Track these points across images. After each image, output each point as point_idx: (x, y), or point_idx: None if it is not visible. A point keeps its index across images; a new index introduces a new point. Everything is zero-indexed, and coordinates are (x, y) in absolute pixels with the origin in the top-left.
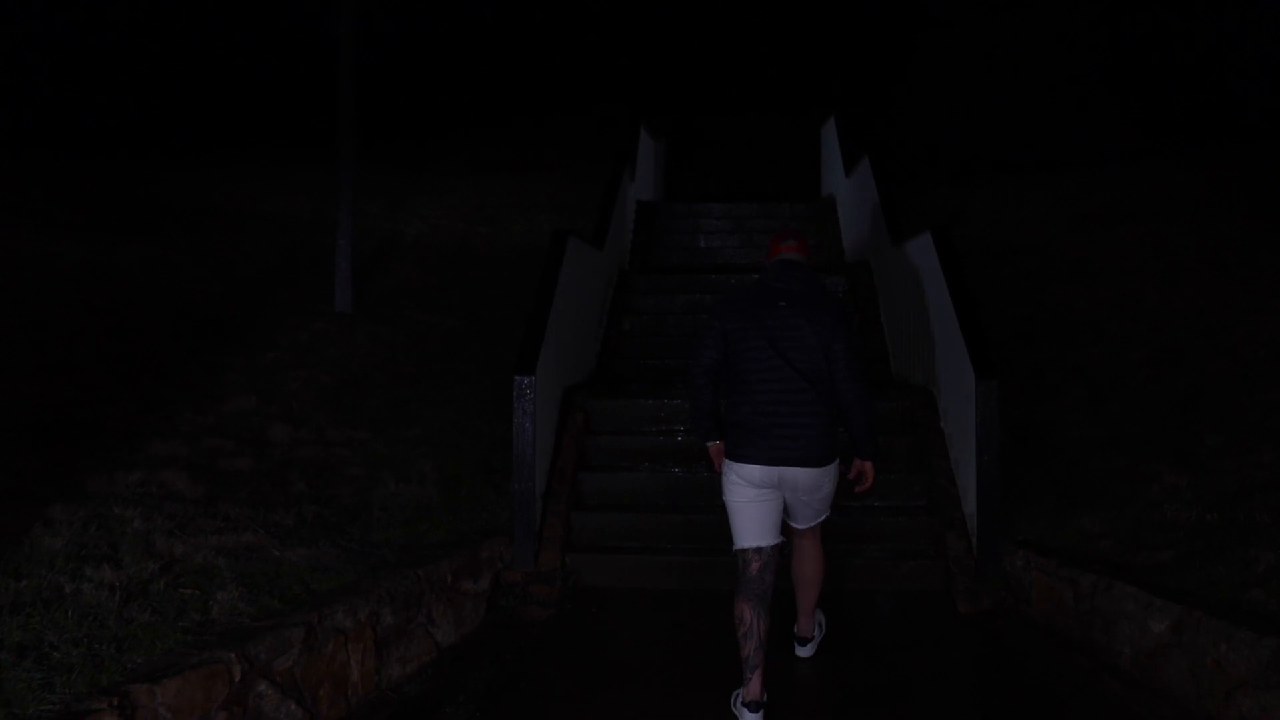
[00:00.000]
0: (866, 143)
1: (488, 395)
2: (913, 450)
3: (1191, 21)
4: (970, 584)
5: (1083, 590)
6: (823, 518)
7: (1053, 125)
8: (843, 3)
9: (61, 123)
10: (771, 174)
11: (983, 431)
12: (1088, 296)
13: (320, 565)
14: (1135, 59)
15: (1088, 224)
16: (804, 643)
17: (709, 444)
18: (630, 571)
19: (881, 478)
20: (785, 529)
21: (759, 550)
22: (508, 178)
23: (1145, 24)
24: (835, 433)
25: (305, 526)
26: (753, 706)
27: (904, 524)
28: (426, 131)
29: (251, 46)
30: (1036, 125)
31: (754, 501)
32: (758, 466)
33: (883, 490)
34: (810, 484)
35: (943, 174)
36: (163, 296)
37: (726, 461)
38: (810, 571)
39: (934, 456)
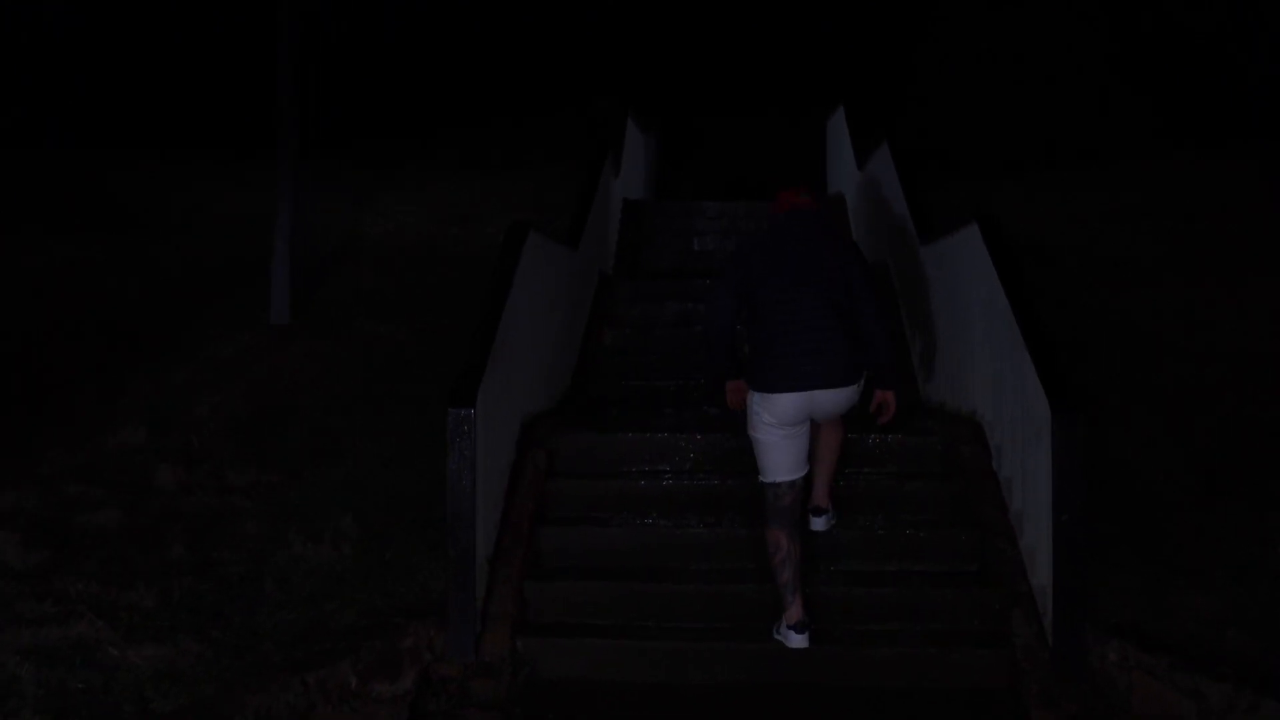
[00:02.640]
0: (883, 128)
1: (435, 423)
2: (957, 500)
3: (1208, 13)
4: (1046, 683)
5: (1212, 706)
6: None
7: (1068, 120)
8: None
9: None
10: (773, 171)
11: (1061, 482)
12: (1145, 302)
13: (172, 670)
14: (1152, 50)
15: (1127, 220)
16: (819, 513)
17: (728, 382)
18: (602, 660)
19: (914, 533)
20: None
21: (791, 484)
22: (488, 176)
23: (1162, 14)
24: (859, 357)
25: (169, 609)
26: (799, 627)
27: (950, 597)
28: (405, 129)
29: (210, 33)
30: (1051, 120)
31: (786, 439)
32: (790, 396)
33: (917, 549)
34: (837, 404)
35: (955, 171)
36: (80, 302)
37: (756, 397)
38: (831, 437)
39: (986, 507)
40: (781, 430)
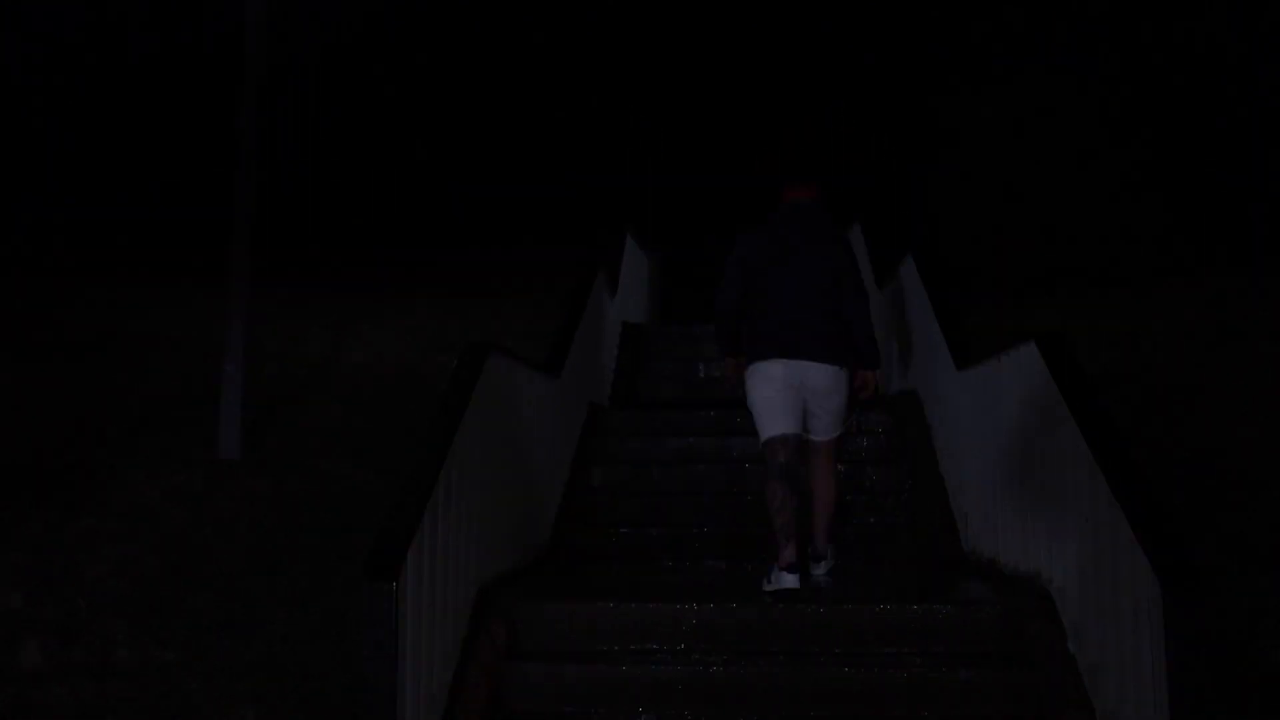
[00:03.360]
0: (907, 242)
1: None
2: (1022, 693)
3: (1235, 135)
4: None
5: None
6: (838, 433)
7: (1092, 239)
8: (861, 120)
9: None
10: None
11: (1180, 679)
12: (1223, 435)
13: None
14: (1178, 170)
15: (1184, 344)
16: (819, 560)
17: (728, 357)
18: None
19: None
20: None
21: (784, 438)
22: (479, 302)
23: (1189, 137)
24: (845, 342)
25: None
26: (791, 568)
27: None
28: (396, 255)
29: (179, 153)
30: (1075, 240)
31: (777, 394)
32: (779, 362)
33: None
34: (825, 383)
35: (975, 293)
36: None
37: (751, 366)
38: (825, 489)
39: (1064, 707)
40: (775, 385)
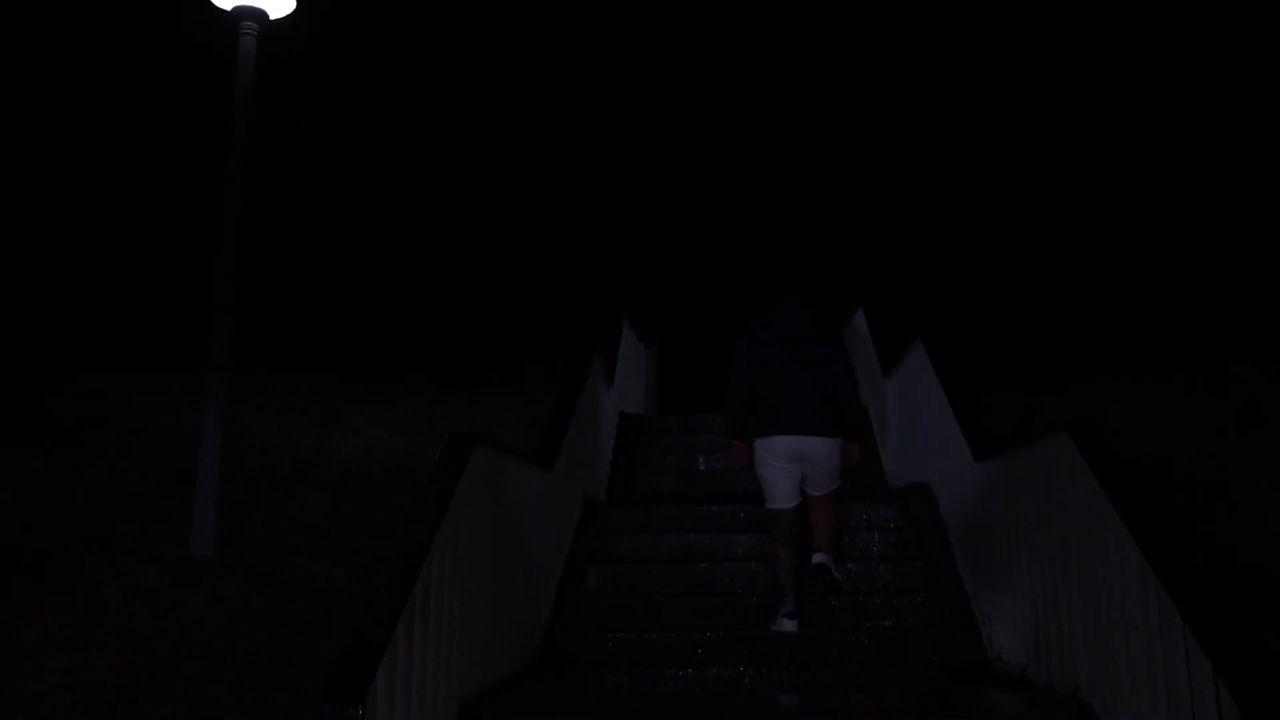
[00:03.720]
0: (917, 328)
1: None
2: None
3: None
4: None
5: None
6: (835, 486)
7: (1093, 328)
8: (857, 206)
9: None
10: None
11: None
12: (1255, 532)
13: None
14: (1180, 256)
15: (1203, 432)
16: (819, 550)
17: (735, 441)
18: None
19: None
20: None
21: (786, 510)
22: (474, 392)
23: (1191, 224)
24: (838, 417)
25: None
26: (791, 615)
27: None
28: (392, 347)
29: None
30: (1083, 325)
31: (783, 473)
32: (785, 438)
33: None
34: (822, 452)
35: (984, 379)
36: None
37: (759, 443)
38: (824, 515)
39: None
40: (779, 466)
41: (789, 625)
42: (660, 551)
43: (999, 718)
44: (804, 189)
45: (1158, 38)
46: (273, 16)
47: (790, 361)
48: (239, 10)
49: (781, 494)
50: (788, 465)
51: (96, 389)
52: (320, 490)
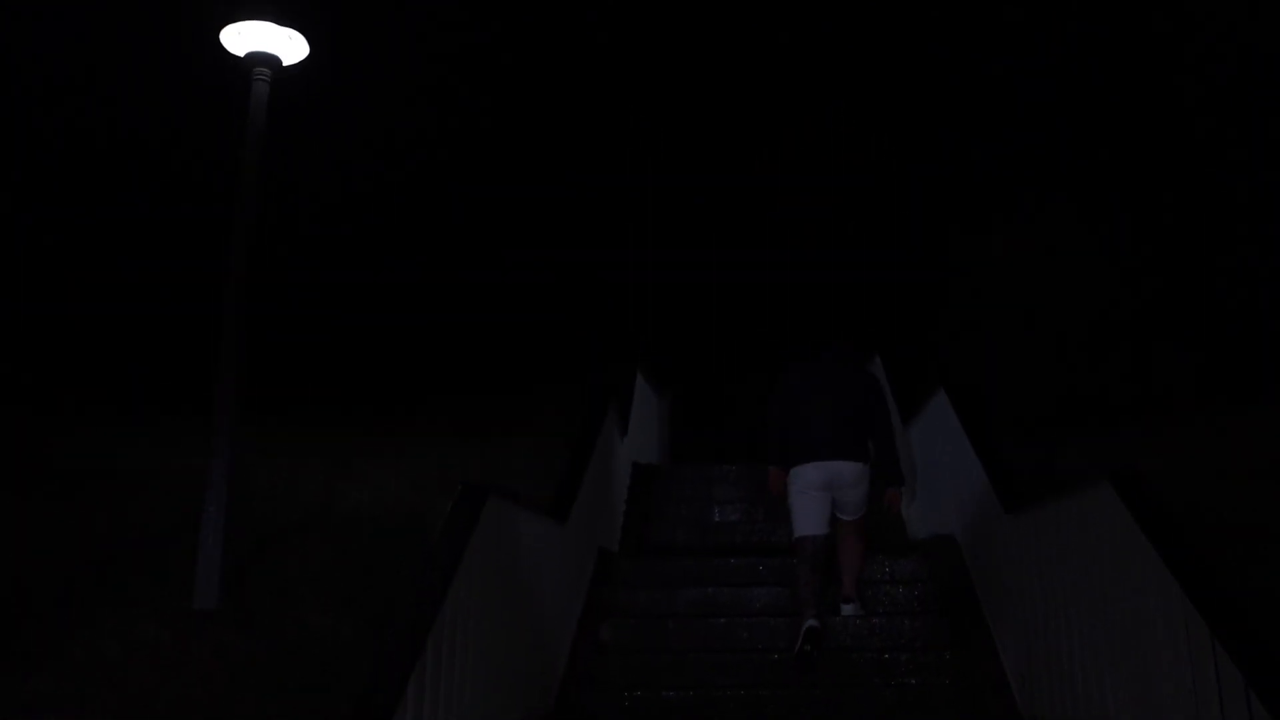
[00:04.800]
0: (938, 374)
1: None
2: None
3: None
4: None
5: None
6: (861, 513)
7: (1115, 373)
8: (871, 254)
9: None
10: None
11: None
12: None
13: None
14: (1189, 305)
15: (1232, 481)
16: (848, 601)
17: (772, 467)
18: None
19: None
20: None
21: (814, 538)
22: (487, 440)
23: (1198, 271)
24: (865, 447)
25: None
26: (814, 618)
27: None
28: (401, 394)
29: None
30: (1097, 373)
31: (814, 500)
32: (817, 465)
33: None
34: (853, 477)
35: (1002, 428)
36: None
37: (792, 472)
38: (850, 553)
39: None
40: (812, 494)
41: (812, 624)
42: (677, 606)
43: None
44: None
45: (1170, 76)
46: (286, 62)
47: (824, 396)
48: (252, 56)
49: (811, 522)
50: (819, 493)
51: (100, 436)
52: (328, 541)
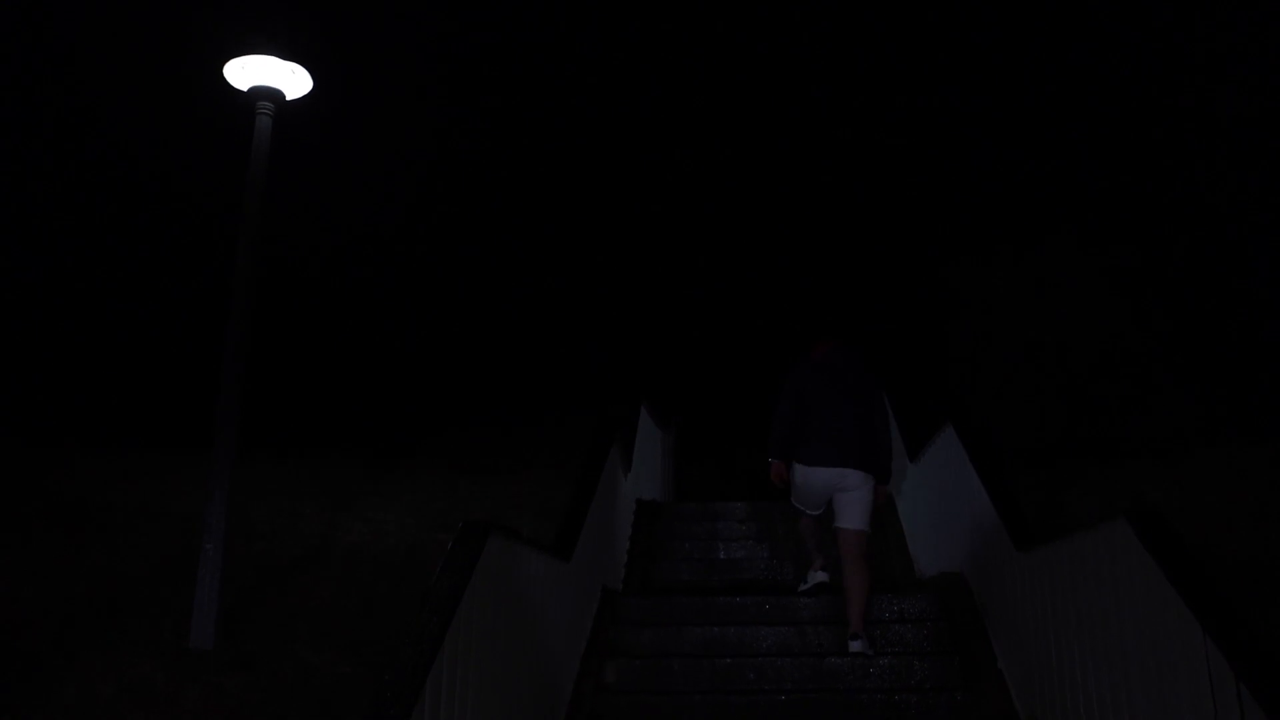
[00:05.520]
0: (947, 408)
1: None
2: None
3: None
4: None
5: None
6: (864, 529)
7: (1121, 407)
8: (873, 290)
9: None
10: None
11: None
12: None
13: None
14: (1200, 341)
15: (1245, 518)
16: (855, 637)
17: (774, 460)
18: None
19: None
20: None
21: (814, 515)
22: (488, 477)
23: (1210, 308)
24: (874, 454)
25: None
26: (822, 568)
27: None
28: (404, 430)
29: (172, 321)
30: (1103, 408)
31: (814, 493)
32: (824, 470)
33: None
34: (856, 482)
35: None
36: None
37: (798, 468)
38: (856, 581)
39: None
40: (812, 489)
41: (820, 576)
42: (682, 646)
43: None
44: (826, 274)
45: (1169, 116)
46: (290, 96)
47: (836, 397)
48: (255, 90)
49: (810, 505)
50: (821, 492)
51: (100, 472)
52: (328, 579)
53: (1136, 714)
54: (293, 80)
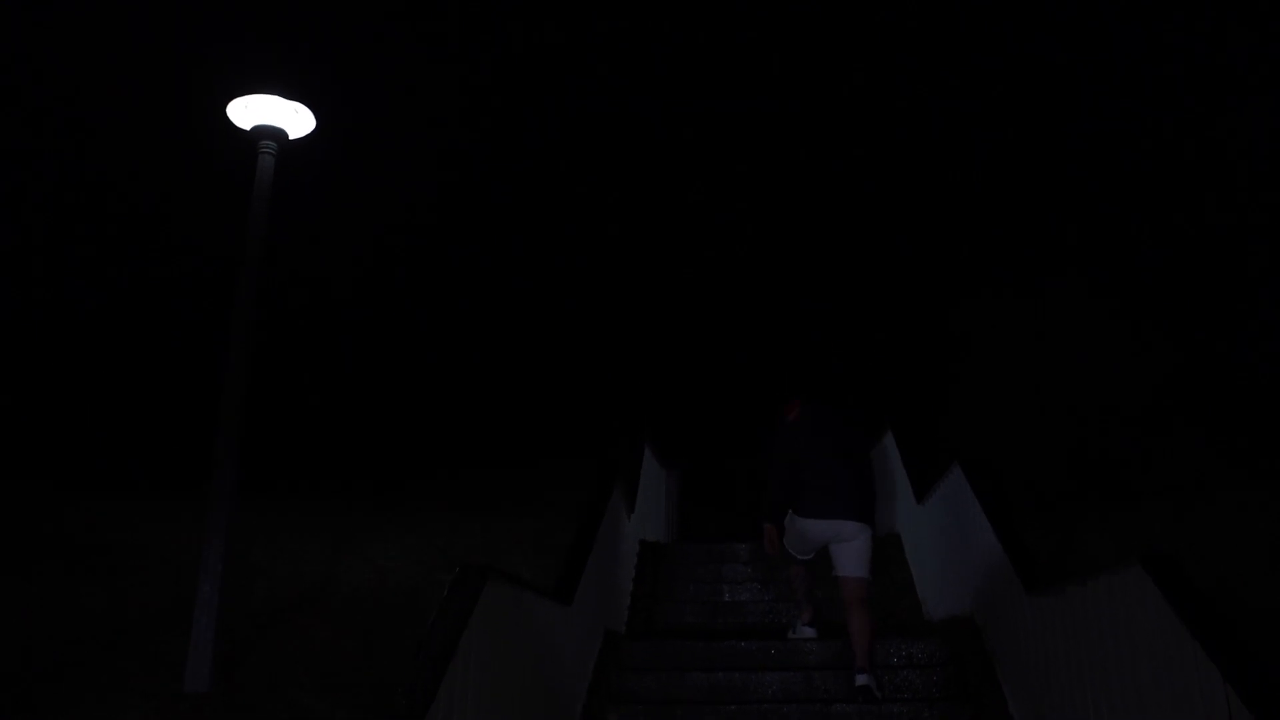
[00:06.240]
0: (953, 452)
1: None
2: None
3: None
4: None
5: None
6: (866, 576)
7: (1128, 449)
8: (881, 331)
9: None
10: None
11: None
12: None
13: None
14: (1210, 383)
15: (1262, 563)
16: (862, 671)
17: (768, 524)
18: None
19: None
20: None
21: (806, 560)
22: (490, 516)
23: (1220, 347)
24: (869, 504)
25: None
26: (810, 624)
27: None
28: (407, 470)
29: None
30: (1109, 449)
31: (808, 542)
32: (820, 522)
33: None
34: (852, 531)
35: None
36: None
37: (796, 519)
38: (860, 628)
39: None
40: (807, 539)
41: (809, 632)
42: (685, 692)
43: None
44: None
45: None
46: (292, 136)
47: (829, 452)
48: (258, 130)
49: (804, 551)
50: (817, 540)
51: (101, 514)
52: (326, 621)
53: None
54: (296, 119)
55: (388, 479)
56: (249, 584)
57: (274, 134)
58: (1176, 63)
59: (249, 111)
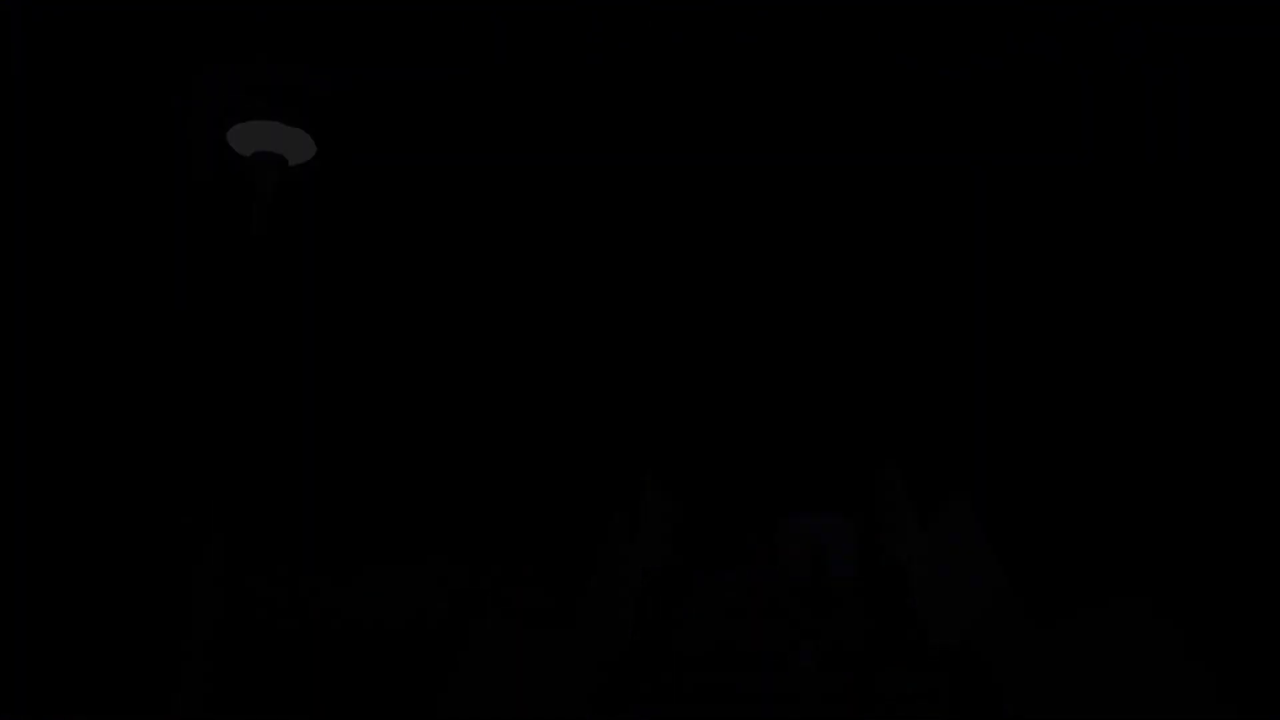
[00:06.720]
0: (958, 482)
1: None
2: None
3: None
4: None
5: None
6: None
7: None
8: (888, 363)
9: None
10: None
11: None
12: None
13: None
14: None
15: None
16: None
17: None
18: None
19: None
20: None
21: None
22: (490, 547)
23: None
24: None
25: None
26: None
27: None
28: (408, 502)
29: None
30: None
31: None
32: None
33: None
34: None
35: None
36: None
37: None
38: None
39: None
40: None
41: (806, 658)
42: None
43: None
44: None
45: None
46: (292, 163)
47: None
48: (258, 156)
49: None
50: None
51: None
52: (325, 655)
53: None
54: (297, 146)
55: (390, 510)
56: (248, 611)
57: (273, 161)
58: None
59: (248, 138)
